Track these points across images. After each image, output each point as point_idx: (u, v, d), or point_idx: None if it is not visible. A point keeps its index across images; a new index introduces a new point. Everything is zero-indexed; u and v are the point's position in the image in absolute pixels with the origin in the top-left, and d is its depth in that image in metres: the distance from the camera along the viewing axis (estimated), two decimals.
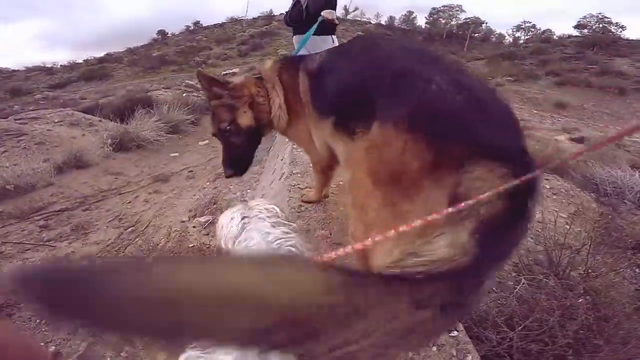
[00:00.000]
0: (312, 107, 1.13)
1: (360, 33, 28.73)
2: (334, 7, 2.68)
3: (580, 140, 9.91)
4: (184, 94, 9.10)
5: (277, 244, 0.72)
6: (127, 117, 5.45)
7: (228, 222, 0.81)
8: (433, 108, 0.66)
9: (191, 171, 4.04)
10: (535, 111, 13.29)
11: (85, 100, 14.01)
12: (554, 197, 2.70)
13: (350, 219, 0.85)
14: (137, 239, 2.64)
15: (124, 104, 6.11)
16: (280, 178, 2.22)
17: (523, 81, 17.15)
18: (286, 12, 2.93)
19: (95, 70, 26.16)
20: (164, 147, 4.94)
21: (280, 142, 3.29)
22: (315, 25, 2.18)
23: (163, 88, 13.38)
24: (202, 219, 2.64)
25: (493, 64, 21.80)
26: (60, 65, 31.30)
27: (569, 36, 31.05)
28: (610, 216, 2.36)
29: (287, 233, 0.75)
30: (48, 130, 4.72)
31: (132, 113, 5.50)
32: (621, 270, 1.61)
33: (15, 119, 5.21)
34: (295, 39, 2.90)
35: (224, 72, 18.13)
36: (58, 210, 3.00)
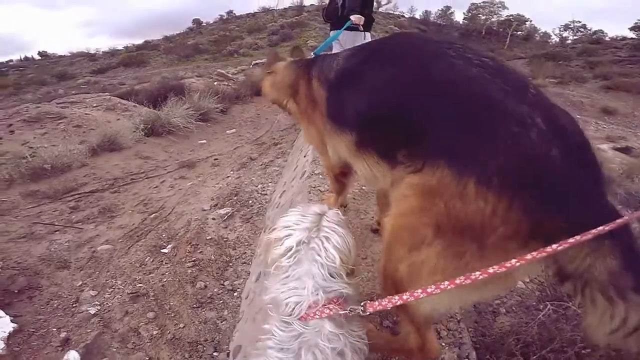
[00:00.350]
0: (327, 117, 0.99)
1: (393, 27, 27.81)
2: (371, 6, 2.77)
3: (625, 150, 9.04)
4: (215, 83, 9.29)
5: (332, 293, 0.66)
6: (159, 103, 5.65)
7: (282, 236, 0.71)
8: (535, 167, 0.54)
9: (216, 159, 4.10)
10: (578, 116, 12.28)
11: (123, 86, 14.76)
12: None
13: (386, 253, 0.75)
14: (159, 225, 2.71)
15: (158, 91, 6.31)
16: (301, 176, 2.16)
17: (568, 83, 15.85)
18: (323, 8, 3.07)
19: (133, 57, 27.36)
20: (192, 134, 5.06)
21: None
22: (342, 28, 2.27)
23: (196, 76, 13.74)
24: (222, 211, 2.65)
25: (535, 63, 20.35)
26: (102, 52, 33.12)
27: (624, 38, 28.16)
28: None
29: (343, 285, 0.68)
30: (86, 114, 4.97)
31: (164, 100, 5.69)
32: None
33: (57, 103, 5.54)
34: (332, 34, 2.96)
35: (254, 62, 18.32)
36: (89, 192, 3.14)
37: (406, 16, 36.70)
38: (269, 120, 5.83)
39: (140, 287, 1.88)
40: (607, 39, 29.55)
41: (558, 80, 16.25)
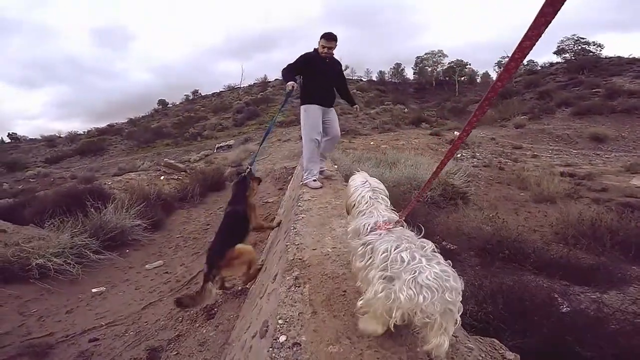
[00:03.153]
0: None
1: (355, 91, 28.53)
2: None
3: None
4: (162, 177, 7.49)
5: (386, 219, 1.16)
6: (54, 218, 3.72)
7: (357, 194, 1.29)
8: None
9: (93, 341, 2.12)
10: (574, 151, 11.60)
11: (74, 180, 12.55)
12: None
13: None
14: None
15: (55, 202, 4.41)
16: None
17: (540, 117, 15.89)
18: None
19: (92, 144, 25.48)
20: (84, 276, 3.08)
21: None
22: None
23: (151, 166, 11.96)
24: None
25: (498, 104, 20.88)
26: (63, 136, 30.79)
27: (552, 64, 30.25)
28: None
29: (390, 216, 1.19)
30: None
31: (66, 214, 3.82)
32: None
33: None
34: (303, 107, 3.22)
35: (218, 145, 16.97)
36: None
37: (364, 79, 39.03)
38: None
39: None
40: (538, 67, 31.38)
41: (529, 115, 16.32)
